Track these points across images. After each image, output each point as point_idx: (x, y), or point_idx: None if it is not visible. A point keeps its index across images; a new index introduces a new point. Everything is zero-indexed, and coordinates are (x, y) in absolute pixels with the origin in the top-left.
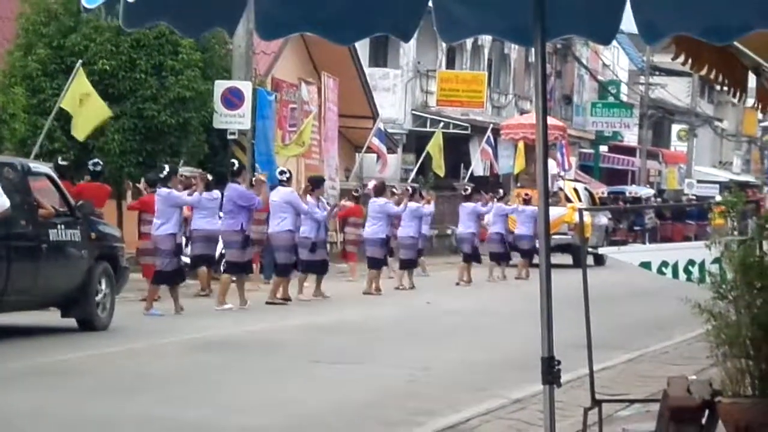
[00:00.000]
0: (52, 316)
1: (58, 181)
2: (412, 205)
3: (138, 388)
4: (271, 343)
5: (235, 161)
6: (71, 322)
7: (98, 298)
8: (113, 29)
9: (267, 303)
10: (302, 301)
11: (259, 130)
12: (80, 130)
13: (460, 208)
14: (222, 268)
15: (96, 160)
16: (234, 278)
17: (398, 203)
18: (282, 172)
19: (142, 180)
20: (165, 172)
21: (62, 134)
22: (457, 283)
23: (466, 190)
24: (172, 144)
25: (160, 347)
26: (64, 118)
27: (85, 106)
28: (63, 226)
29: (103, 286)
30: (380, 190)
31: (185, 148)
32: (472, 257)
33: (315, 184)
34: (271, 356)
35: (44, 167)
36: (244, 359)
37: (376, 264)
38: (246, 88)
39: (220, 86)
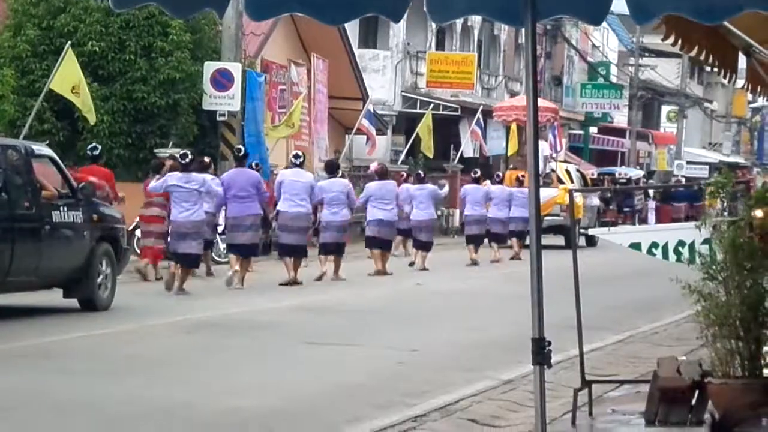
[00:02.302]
0: (54, 297)
1: (61, 163)
2: (429, 187)
3: (130, 369)
4: (263, 325)
5: (241, 147)
6: (73, 302)
7: (99, 278)
8: (102, 10)
9: (280, 285)
10: (334, 281)
11: (249, 111)
12: (89, 115)
13: (470, 192)
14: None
15: (93, 144)
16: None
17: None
18: (296, 156)
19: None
20: (188, 158)
21: (51, 115)
22: (476, 264)
23: (475, 173)
24: (161, 125)
25: (155, 328)
26: (54, 99)
27: (81, 94)
28: (65, 208)
29: (105, 267)
30: (384, 173)
31: (174, 129)
32: (481, 239)
33: (334, 169)
34: (262, 337)
35: (47, 149)
36: (236, 340)
37: (388, 246)
38: (235, 69)
39: (210, 67)
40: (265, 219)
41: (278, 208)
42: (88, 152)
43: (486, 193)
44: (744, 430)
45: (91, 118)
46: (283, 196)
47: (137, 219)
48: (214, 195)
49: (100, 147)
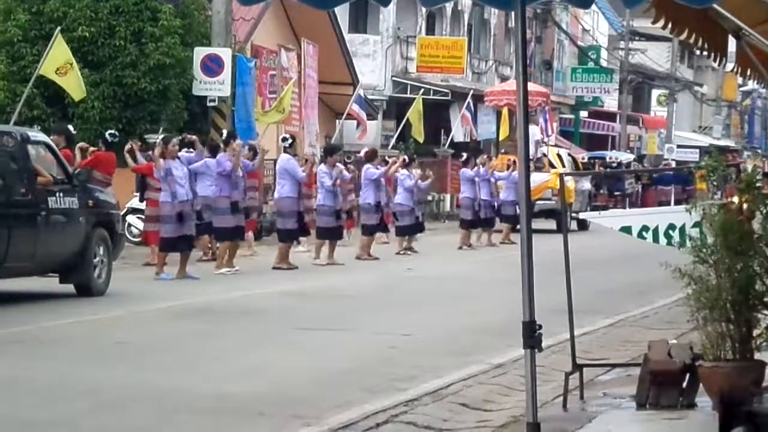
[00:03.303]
0: (50, 282)
1: (56, 149)
2: (405, 173)
3: (123, 354)
4: (254, 310)
5: (224, 130)
6: (69, 287)
7: (95, 264)
8: None
9: (273, 268)
10: (318, 266)
11: (239, 96)
12: (75, 93)
13: (461, 176)
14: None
15: (113, 131)
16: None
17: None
18: (284, 139)
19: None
20: (158, 140)
21: (41, 101)
22: (460, 248)
23: (461, 156)
24: (151, 111)
25: (149, 314)
26: (44, 85)
27: (70, 74)
28: (61, 194)
29: (100, 253)
30: (371, 156)
31: (165, 115)
32: (472, 223)
33: (328, 152)
34: (254, 323)
35: (42, 135)
36: (227, 326)
37: (367, 230)
38: (225, 54)
39: (200, 53)
40: (234, 203)
41: None
42: (107, 137)
43: (469, 176)
44: (750, 408)
45: (77, 96)
46: None
47: (128, 204)
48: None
49: (118, 134)
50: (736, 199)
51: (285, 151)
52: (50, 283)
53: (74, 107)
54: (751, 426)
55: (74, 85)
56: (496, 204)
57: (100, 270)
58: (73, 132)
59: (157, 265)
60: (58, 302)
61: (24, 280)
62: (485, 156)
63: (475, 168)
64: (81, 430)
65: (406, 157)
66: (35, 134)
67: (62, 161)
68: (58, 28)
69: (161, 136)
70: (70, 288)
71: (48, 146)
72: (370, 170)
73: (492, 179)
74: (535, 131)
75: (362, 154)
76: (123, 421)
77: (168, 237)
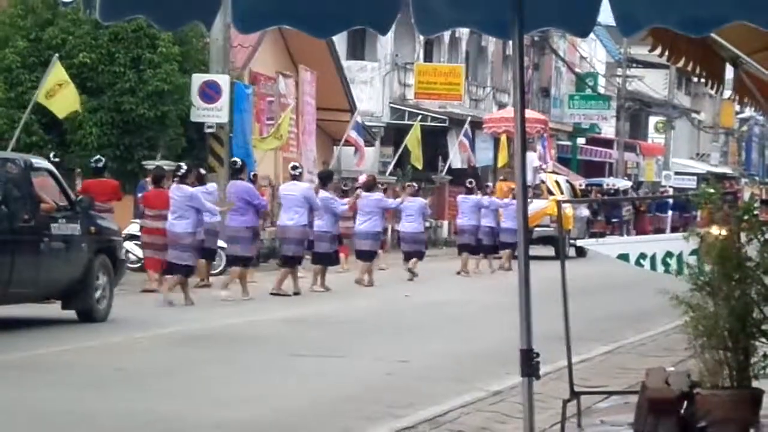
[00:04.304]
0: (53, 308)
1: (59, 176)
2: (420, 200)
3: (122, 382)
4: (253, 337)
5: (237, 160)
6: (71, 313)
7: (97, 290)
8: (91, 22)
9: (271, 294)
10: (316, 292)
11: (237, 123)
12: (62, 110)
13: (461, 201)
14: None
15: (98, 156)
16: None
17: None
18: (294, 167)
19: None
20: (183, 170)
21: (39, 128)
22: (458, 273)
23: (471, 182)
24: (149, 137)
25: (148, 340)
26: (41, 111)
27: (59, 94)
28: (64, 220)
29: (102, 279)
30: (371, 185)
31: (163, 141)
32: (473, 248)
33: (325, 179)
34: (252, 349)
35: (45, 162)
36: (225, 353)
37: (369, 256)
38: (223, 81)
39: (198, 79)
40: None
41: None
42: (92, 164)
43: (477, 202)
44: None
45: (62, 112)
46: (281, 209)
47: (126, 231)
48: (199, 208)
49: (104, 159)
50: (713, 229)
51: (294, 179)
52: (52, 310)
53: (72, 134)
54: None
55: (62, 104)
56: (497, 231)
57: (102, 296)
58: (56, 159)
59: (167, 288)
60: (59, 328)
61: (26, 306)
62: (492, 186)
63: (479, 193)
64: None
65: (414, 185)
66: (38, 161)
67: (65, 188)
68: (56, 54)
69: (182, 164)
70: (71, 314)
71: (51, 173)
72: (385, 200)
73: (494, 208)
74: (533, 158)
75: (361, 182)
76: None
77: (176, 263)
